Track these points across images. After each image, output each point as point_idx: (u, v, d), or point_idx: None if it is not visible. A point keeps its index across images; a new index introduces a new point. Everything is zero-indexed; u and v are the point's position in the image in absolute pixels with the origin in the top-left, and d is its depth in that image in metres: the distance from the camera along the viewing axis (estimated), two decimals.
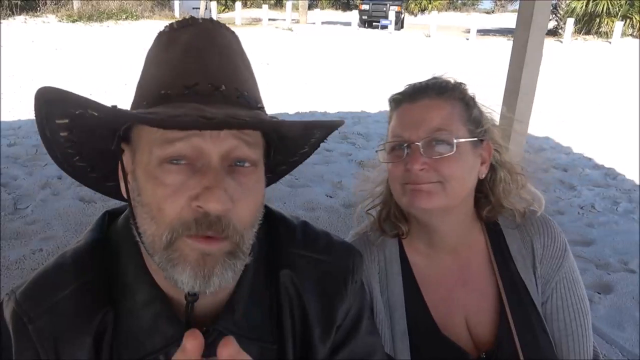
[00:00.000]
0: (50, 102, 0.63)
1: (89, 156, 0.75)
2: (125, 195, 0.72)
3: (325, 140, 0.81)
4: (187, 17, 0.73)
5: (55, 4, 21.98)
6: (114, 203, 0.84)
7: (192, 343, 0.53)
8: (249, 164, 0.67)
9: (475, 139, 1.04)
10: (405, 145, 1.02)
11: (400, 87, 1.11)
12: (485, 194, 1.12)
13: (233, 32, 0.76)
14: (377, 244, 1.14)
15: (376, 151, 1.11)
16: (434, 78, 1.10)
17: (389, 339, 1.08)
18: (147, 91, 0.70)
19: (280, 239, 0.84)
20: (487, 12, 46.35)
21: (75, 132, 0.69)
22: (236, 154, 0.66)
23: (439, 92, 1.04)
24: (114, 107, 0.62)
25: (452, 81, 1.09)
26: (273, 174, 0.87)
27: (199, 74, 0.67)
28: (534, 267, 1.10)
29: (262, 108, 0.72)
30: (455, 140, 1.00)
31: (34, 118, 0.64)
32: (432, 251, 1.12)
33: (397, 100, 1.08)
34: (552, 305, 1.09)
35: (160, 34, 0.74)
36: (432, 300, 1.10)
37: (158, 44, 0.73)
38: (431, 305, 1.10)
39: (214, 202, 0.62)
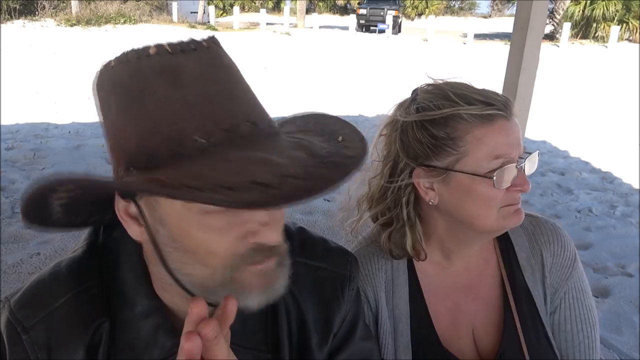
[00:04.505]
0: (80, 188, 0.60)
1: (73, 207, 0.68)
2: (135, 237, 0.67)
3: None
4: (184, 40, 0.61)
5: (53, 8, 21.98)
6: None
7: (196, 310, 0.55)
8: None
9: None
10: (516, 167, 0.95)
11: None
12: None
13: (219, 43, 0.66)
14: (385, 254, 1.10)
15: (430, 165, 0.98)
16: (496, 92, 1.01)
17: (391, 351, 1.06)
18: (169, 138, 0.57)
19: None
20: (484, 17, 46.51)
21: (76, 194, 0.63)
22: None
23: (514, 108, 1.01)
24: (161, 181, 0.54)
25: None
26: None
27: (232, 113, 0.60)
28: (543, 276, 1.08)
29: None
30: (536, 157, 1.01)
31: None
32: (446, 261, 1.10)
33: (490, 116, 0.94)
34: (560, 315, 1.07)
35: (150, 60, 0.59)
36: (439, 312, 1.08)
37: (149, 73, 0.59)
38: (437, 317, 1.07)
39: (275, 237, 0.64)
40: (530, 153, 0.99)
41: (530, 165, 0.99)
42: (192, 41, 0.61)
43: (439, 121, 0.96)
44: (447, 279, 1.10)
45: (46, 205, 0.63)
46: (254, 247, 0.63)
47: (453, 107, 0.95)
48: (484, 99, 0.95)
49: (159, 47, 0.60)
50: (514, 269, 1.09)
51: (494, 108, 0.94)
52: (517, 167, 0.95)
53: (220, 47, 0.64)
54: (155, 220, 0.63)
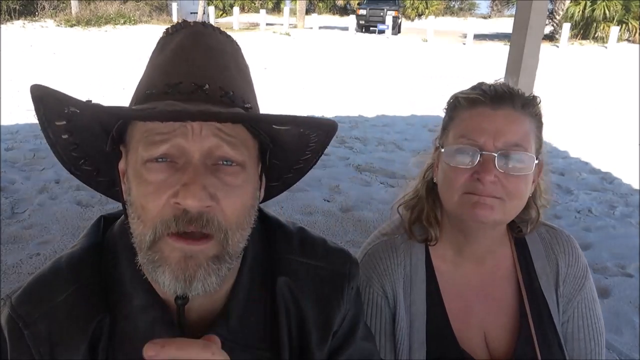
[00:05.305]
0: (40, 99, 0.65)
1: (94, 159, 0.76)
2: (125, 198, 0.72)
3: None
4: (180, 21, 0.75)
5: (53, 9, 22.00)
6: (111, 207, 0.84)
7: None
8: (235, 164, 0.68)
9: (538, 160, 1.02)
10: (479, 152, 0.96)
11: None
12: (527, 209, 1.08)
13: (229, 37, 0.76)
14: (404, 249, 1.10)
15: (436, 146, 1.07)
16: (509, 87, 1.03)
17: (406, 347, 1.06)
18: (136, 92, 0.72)
19: (277, 245, 0.85)
20: (484, 17, 46.52)
21: (75, 134, 0.71)
22: (218, 153, 0.66)
23: (523, 105, 1.00)
24: (89, 101, 0.64)
25: (531, 95, 1.04)
26: (280, 182, 0.87)
27: (183, 74, 0.69)
28: (556, 285, 1.10)
29: (250, 108, 0.72)
30: (530, 160, 0.98)
31: (33, 122, 0.65)
32: (459, 259, 1.10)
33: (474, 100, 1.01)
34: (573, 324, 1.09)
35: (159, 40, 0.76)
36: (452, 311, 1.08)
37: (155, 49, 0.76)
38: (451, 316, 1.08)
39: (191, 198, 0.62)
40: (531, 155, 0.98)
41: (507, 164, 0.96)
42: (184, 21, 0.76)
43: (450, 106, 1.07)
44: (460, 278, 1.10)
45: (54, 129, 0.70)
46: (177, 212, 0.63)
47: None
48: (486, 88, 1.02)
49: (167, 29, 0.76)
50: (530, 274, 1.10)
51: (479, 94, 1.00)
52: (481, 154, 0.95)
53: (208, 28, 0.74)
54: (125, 175, 0.71)
